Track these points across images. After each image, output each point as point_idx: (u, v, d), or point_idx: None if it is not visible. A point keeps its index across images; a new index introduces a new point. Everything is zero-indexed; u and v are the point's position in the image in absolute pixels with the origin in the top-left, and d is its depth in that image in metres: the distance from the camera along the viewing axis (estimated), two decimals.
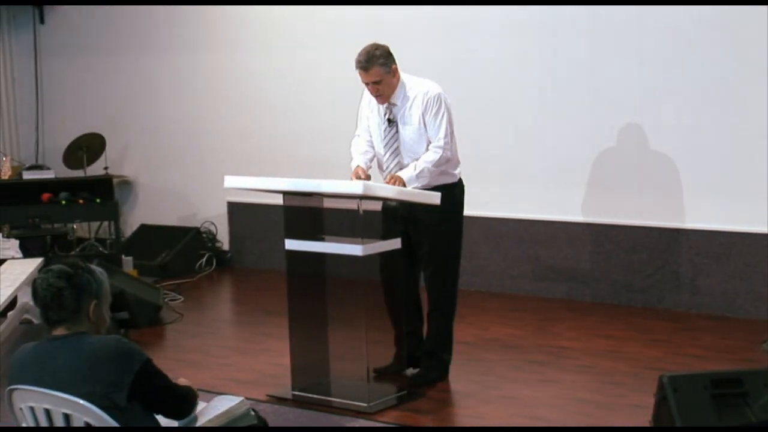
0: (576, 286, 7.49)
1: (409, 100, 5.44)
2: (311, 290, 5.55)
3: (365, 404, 5.19)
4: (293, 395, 5.44)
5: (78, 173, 9.25)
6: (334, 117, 8.47)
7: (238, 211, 9.20)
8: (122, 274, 7.50)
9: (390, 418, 5.10)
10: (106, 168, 9.36)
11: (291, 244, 5.44)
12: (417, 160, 5.40)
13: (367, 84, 5.44)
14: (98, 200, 8.85)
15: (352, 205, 5.14)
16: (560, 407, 5.21)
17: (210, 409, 3.66)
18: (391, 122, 5.47)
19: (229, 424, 3.61)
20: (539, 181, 7.58)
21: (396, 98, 5.46)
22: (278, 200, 5.55)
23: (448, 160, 5.44)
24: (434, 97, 5.40)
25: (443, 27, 7.83)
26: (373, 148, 5.63)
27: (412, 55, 8.00)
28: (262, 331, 6.94)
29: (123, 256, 8.67)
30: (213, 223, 9.31)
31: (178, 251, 8.97)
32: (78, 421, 3.13)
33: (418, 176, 5.35)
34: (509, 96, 7.62)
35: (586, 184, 7.42)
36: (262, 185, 5.73)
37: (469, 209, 5.68)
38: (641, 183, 7.20)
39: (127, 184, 9.90)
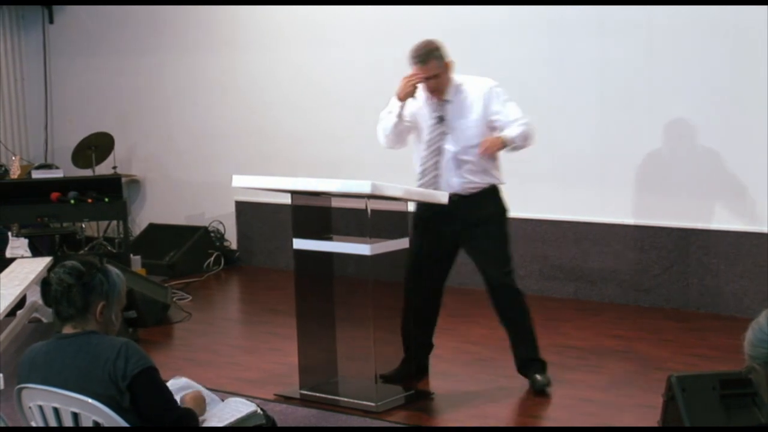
0: (583, 286, 7.48)
1: (464, 95, 5.32)
2: (319, 290, 5.56)
3: (373, 404, 5.19)
4: (301, 394, 5.44)
5: (87, 172, 9.26)
6: (343, 117, 8.49)
7: (246, 211, 9.21)
8: (130, 273, 7.50)
9: (398, 418, 5.10)
10: (114, 167, 9.38)
11: (299, 244, 5.44)
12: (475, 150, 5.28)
13: (421, 80, 5.27)
14: (107, 199, 8.86)
15: (360, 204, 5.14)
16: (568, 407, 5.20)
17: (222, 413, 3.65)
18: (441, 120, 5.33)
19: (237, 424, 3.61)
20: (547, 180, 7.57)
21: (449, 95, 5.33)
22: (286, 200, 5.55)
23: (531, 137, 5.33)
24: (495, 86, 5.33)
25: (450, 27, 7.82)
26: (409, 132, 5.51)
27: None
28: (270, 331, 6.94)
29: (131, 255, 8.69)
30: (221, 223, 9.32)
31: (186, 250, 8.98)
32: (87, 421, 3.13)
33: (516, 137, 5.23)
34: (517, 95, 7.59)
35: (593, 184, 7.40)
36: (270, 185, 5.73)
37: None
38: (650, 182, 7.18)
39: (135, 183, 9.92)
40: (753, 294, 6.73)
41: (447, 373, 5.83)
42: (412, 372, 5.57)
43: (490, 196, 5.41)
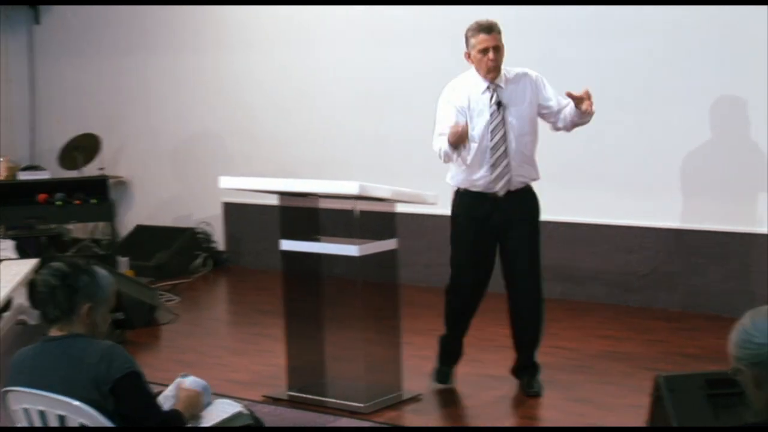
0: (572, 286, 7.48)
1: (514, 82, 5.25)
2: (307, 290, 5.55)
3: (361, 404, 5.19)
4: (289, 396, 5.43)
5: (73, 174, 9.23)
6: (330, 118, 8.49)
7: (233, 212, 9.19)
8: (118, 274, 7.48)
9: (386, 419, 5.09)
10: (101, 169, 9.35)
11: (287, 245, 5.43)
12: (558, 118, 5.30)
13: (485, 51, 5.14)
14: (94, 201, 8.84)
15: (347, 205, 5.13)
16: (557, 407, 5.21)
17: (208, 415, 3.63)
18: (500, 105, 5.20)
19: (222, 424, 3.60)
20: (535, 182, 7.55)
21: (501, 81, 5.23)
22: (274, 201, 5.55)
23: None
24: (539, 75, 5.31)
25: (446, 27, 7.82)
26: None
27: (414, 56, 8.04)
28: (258, 332, 6.93)
29: (119, 257, 8.67)
30: (209, 224, 9.30)
31: (173, 252, 8.96)
32: (73, 423, 3.11)
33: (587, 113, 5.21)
34: None
35: (581, 185, 7.41)
36: (258, 186, 5.72)
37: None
38: (638, 183, 7.19)
39: (122, 184, 9.89)
40: (740, 294, 6.74)
41: None
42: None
43: (531, 193, 5.38)
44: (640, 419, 4.38)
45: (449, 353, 5.63)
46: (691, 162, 6.97)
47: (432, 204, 5.35)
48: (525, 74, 5.28)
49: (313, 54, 8.56)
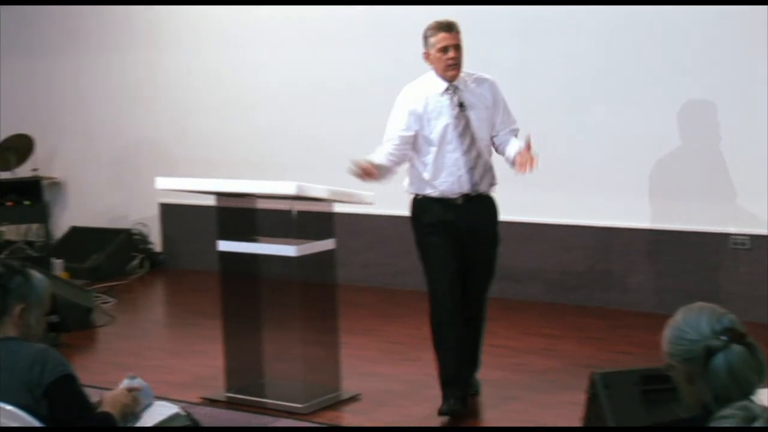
0: (509, 285, 7.52)
1: (474, 84, 5.10)
2: (245, 291, 5.53)
3: (300, 405, 5.18)
4: (227, 397, 5.41)
5: (6, 175, 9.09)
6: (269, 118, 8.46)
7: (170, 213, 9.12)
8: (52, 277, 7.39)
9: (325, 419, 5.09)
10: (35, 170, 9.22)
11: (224, 245, 5.40)
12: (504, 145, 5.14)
13: (445, 50, 4.98)
14: (27, 202, 8.72)
15: (285, 205, 5.12)
16: (495, 405, 5.24)
17: (145, 418, 3.60)
18: (463, 107, 5.03)
19: (161, 425, 3.57)
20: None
21: (460, 82, 5.07)
22: (211, 201, 5.51)
23: None
24: (495, 84, 5.18)
25: (380, 29, 7.83)
26: (406, 146, 5.11)
27: (349, 56, 8.04)
28: (196, 333, 6.88)
29: (53, 259, 8.55)
30: (145, 225, 9.22)
31: (109, 253, 8.87)
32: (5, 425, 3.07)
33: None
34: None
35: (518, 183, 7.43)
36: (194, 186, 5.69)
37: (403, 210, 5.67)
38: (574, 182, 7.26)
39: (56, 185, 9.76)
40: (673, 291, 6.85)
41: (373, 373, 5.83)
42: (465, 395, 5.13)
43: (491, 200, 5.23)
44: (576, 416, 4.43)
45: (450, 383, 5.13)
46: (625, 161, 7.05)
47: (369, 204, 5.37)
48: (485, 79, 5.16)
49: (250, 54, 8.52)
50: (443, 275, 5.09)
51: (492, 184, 5.20)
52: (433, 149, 5.06)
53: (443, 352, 5.11)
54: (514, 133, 5.21)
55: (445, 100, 5.05)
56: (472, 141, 5.06)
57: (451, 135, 5.04)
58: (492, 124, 5.15)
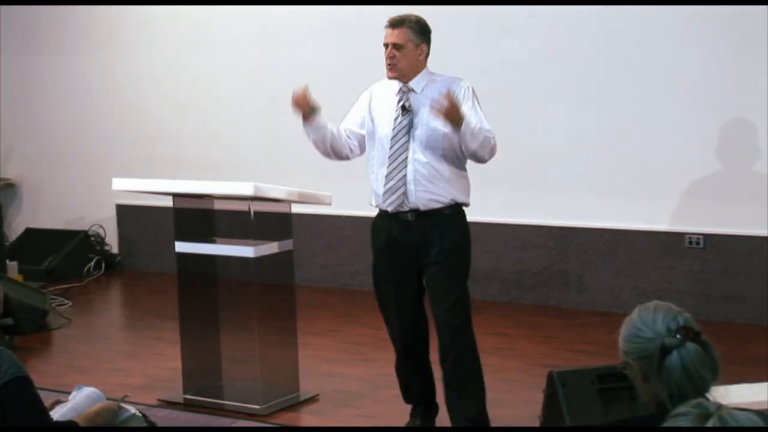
0: None
1: (435, 88, 4.58)
2: (203, 293, 5.52)
3: (258, 406, 5.17)
4: (185, 399, 5.38)
5: None
6: (227, 119, 8.43)
7: (127, 214, 9.06)
8: (6, 279, 7.32)
9: (283, 420, 5.09)
10: None
11: (181, 247, 5.38)
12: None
13: (385, 47, 4.57)
14: None
15: (243, 206, 5.11)
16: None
17: (75, 407, 3.58)
18: (406, 111, 4.59)
19: (118, 425, 3.56)
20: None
21: (417, 84, 4.61)
22: (168, 202, 5.49)
23: (493, 152, 4.62)
24: (469, 86, 4.62)
25: (339, 27, 7.84)
26: (354, 141, 4.80)
27: (307, 55, 8.03)
28: (153, 335, 6.85)
29: (7, 261, 8.46)
30: (101, 227, 9.14)
31: (65, 255, 8.79)
32: None
33: (473, 130, 4.47)
34: None
35: (474, 183, 7.48)
36: (151, 187, 5.65)
37: (362, 210, 5.68)
38: (530, 182, 7.31)
39: (10, 187, 9.66)
40: (629, 290, 6.92)
41: (332, 373, 5.84)
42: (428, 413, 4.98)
43: (449, 217, 4.67)
44: (534, 414, 4.46)
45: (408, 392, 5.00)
46: (580, 161, 7.11)
47: (327, 204, 5.37)
48: (454, 81, 4.62)
49: (207, 54, 8.48)
50: (387, 311, 4.92)
51: (454, 200, 4.71)
52: (380, 150, 4.68)
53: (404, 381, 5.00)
54: (482, 130, 4.56)
55: (395, 101, 4.66)
56: (406, 147, 4.57)
57: (390, 139, 4.62)
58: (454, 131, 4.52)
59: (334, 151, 4.84)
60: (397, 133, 4.62)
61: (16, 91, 9.54)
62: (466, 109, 4.50)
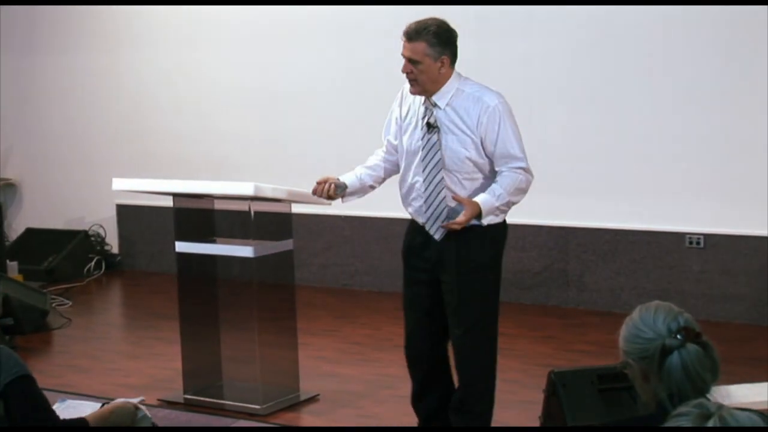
0: None
1: (460, 102, 4.24)
2: (203, 293, 5.52)
3: (258, 406, 5.17)
4: (185, 399, 5.38)
5: None
6: (228, 118, 8.43)
7: (127, 214, 9.06)
8: (6, 279, 7.32)
9: (283, 420, 5.09)
10: None
11: (182, 247, 5.38)
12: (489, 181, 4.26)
13: (403, 57, 4.23)
14: None
15: (243, 206, 5.11)
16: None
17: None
18: (431, 127, 4.24)
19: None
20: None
21: (440, 98, 4.23)
22: (168, 202, 5.49)
23: (527, 188, 4.33)
24: (495, 109, 4.23)
25: (340, 29, 7.83)
26: (389, 164, 4.53)
27: (310, 56, 8.04)
28: (153, 335, 6.85)
29: (8, 261, 8.45)
30: (101, 226, 9.14)
31: (65, 255, 8.79)
32: None
33: (499, 206, 4.23)
34: None
35: None
36: (151, 187, 5.65)
37: (361, 210, 5.69)
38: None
39: (11, 186, 9.67)
40: (629, 290, 6.92)
41: (332, 373, 5.84)
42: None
43: (476, 233, 4.27)
44: (534, 415, 4.46)
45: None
46: (581, 161, 7.11)
47: (327, 204, 5.36)
48: (479, 99, 4.24)
49: (208, 55, 8.48)
50: (407, 318, 4.62)
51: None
52: (410, 167, 4.38)
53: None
54: (514, 171, 4.28)
55: (421, 113, 4.31)
56: (439, 166, 4.26)
57: (422, 155, 4.31)
58: (479, 154, 4.24)
59: (381, 182, 4.65)
60: (427, 153, 4.28)
61: (17, 91, 9.54)
62: (493, 134, 4.21)
